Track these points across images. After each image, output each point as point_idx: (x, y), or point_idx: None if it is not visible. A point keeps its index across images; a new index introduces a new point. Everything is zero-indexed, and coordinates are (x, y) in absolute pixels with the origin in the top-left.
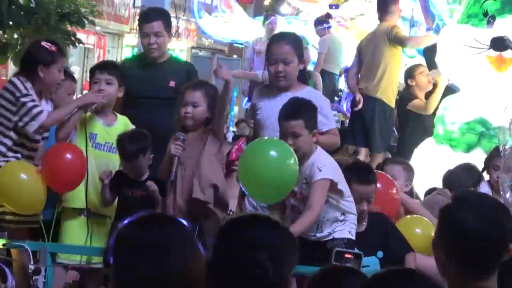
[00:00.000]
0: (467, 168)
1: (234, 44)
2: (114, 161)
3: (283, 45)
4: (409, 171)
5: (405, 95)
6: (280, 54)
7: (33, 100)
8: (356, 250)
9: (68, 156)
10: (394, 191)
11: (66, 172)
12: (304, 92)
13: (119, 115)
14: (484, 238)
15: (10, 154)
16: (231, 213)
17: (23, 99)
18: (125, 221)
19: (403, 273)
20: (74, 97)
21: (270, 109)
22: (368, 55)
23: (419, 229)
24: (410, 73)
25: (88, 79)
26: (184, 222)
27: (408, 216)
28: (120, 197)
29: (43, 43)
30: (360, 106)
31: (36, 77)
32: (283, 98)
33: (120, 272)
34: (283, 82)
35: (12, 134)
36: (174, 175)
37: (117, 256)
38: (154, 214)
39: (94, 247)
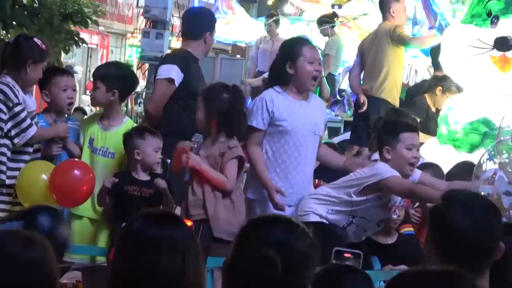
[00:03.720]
0: (466, 166)
1: (237, 43)
2: (109, 166)
3: (315, 49)
4: (439, 175)
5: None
6: (316, 55)
7: None
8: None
9: (76, 175)
10: None
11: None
12: (313, 98)
13: (128, 121)
14: (474, 237)
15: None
16: None
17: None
18: (137, 216)
19: (442, 272)
20: (78, 94)
21: (305, 115)
22: (371, 56)
23: None
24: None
25: (91, 79)
26: (188, 224)
27: None
28: (121, 197)
29: None
30: (364, 108)
31: None
32: (304, 105)
33: (119, 263)
34: (315, 84)
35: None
36: (188, 176)
37: (121, 247)
38: (165, 212)
39: (94, 247)
